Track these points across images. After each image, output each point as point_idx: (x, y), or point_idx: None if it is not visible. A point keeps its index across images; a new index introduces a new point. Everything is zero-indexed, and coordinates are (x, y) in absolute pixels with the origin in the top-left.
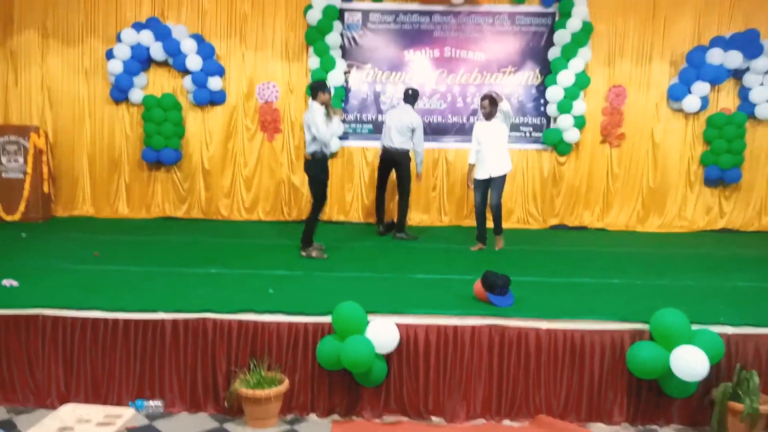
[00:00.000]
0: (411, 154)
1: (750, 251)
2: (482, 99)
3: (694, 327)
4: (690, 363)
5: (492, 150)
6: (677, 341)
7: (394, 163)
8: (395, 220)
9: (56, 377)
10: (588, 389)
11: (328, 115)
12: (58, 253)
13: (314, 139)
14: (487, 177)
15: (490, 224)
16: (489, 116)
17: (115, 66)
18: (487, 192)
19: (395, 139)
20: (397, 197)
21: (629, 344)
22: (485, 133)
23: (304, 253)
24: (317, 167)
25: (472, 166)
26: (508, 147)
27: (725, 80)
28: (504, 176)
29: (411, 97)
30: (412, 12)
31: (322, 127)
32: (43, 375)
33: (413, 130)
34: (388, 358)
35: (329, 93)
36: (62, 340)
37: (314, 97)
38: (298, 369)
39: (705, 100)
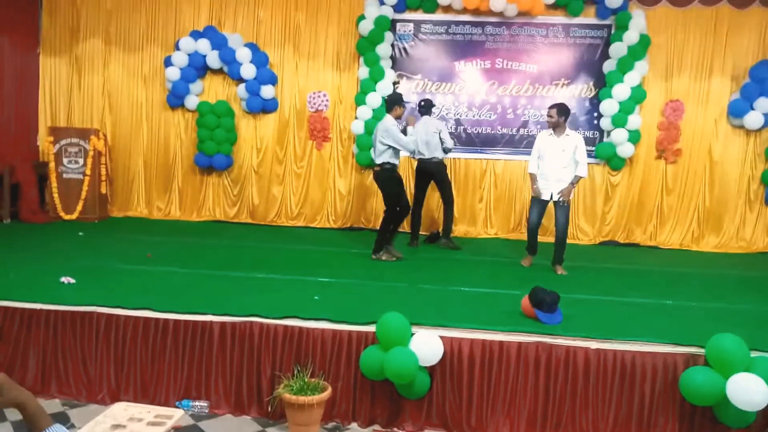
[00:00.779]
0: (445, 162)
1: None
2: (550, 107)
3: (753, 354)
4: (749, 392)
5: (555, 169)
6: (735, 368)
7: (430, 174)
8: (440, 231)
9: (107, 374)
10: (638, 413)
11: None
12: (112, 253)
13: (385, 150)
14: (548, 198)
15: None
16: (556, 127)
17: (173, 73)
18: (544, 212)
19: (426, 151)
20: (439, 208)
21: (682, 368)
22: (548, 148)
23: (374, 257)
24: (383, 177)
25: (534, 176)
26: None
27: None
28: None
29: (425, 107)
30: (465, 23)
31: (403, 138)
32: (95, 371)
33: (440, 132)
34: (431, 370)
35: (404, 107)
36: (114, 338)
37: (389, 111)
38: (341, 377)
39: None
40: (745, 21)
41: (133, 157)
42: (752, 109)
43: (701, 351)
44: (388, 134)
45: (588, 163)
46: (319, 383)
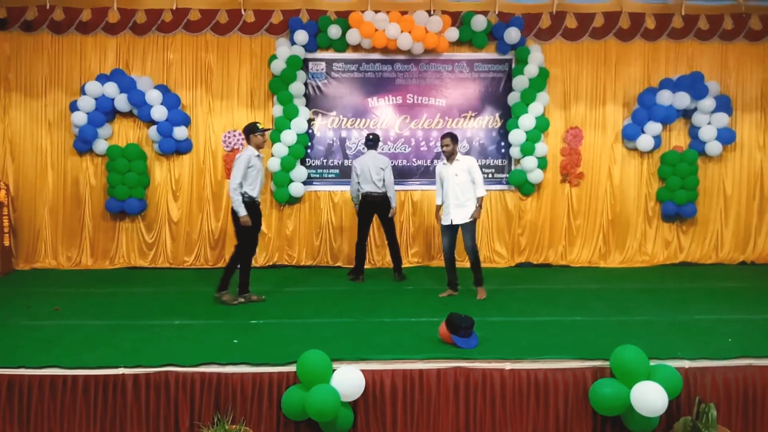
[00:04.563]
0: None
1: (708, 284)
2: (442, 137)
3: (653, 362)
4: (649, 399)
5: (452, 194)
6: (636, 377)
7: (376, 207)
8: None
9: None
10: (553, 427)
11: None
12: (17, 309)
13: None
14: (448, 223)
15: (462, 265)
16: (449, 156)
17: (79, 118)
18: (455, 237)
19: (376, 184)
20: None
21: (591, 381)
22: (444, 175)
23: (216, 295)
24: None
25: (438, 207)
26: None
27: (675, 120)
28: (471, 222)
29: (372, 141)
30: (375, 61)
31: (235, 179)
32: None
33: (383, 170)
34: (354, 405)
35: (261, 135)
36: (18, 401)
37: (248, 141)
38: (263, 421)
39: (658, 139)
40: (630, 52)
41: (38, 206)
42: (643, 132)
43: (607, 364)
44: (234, 169)
45: (502, 190)
46: (241, 429)
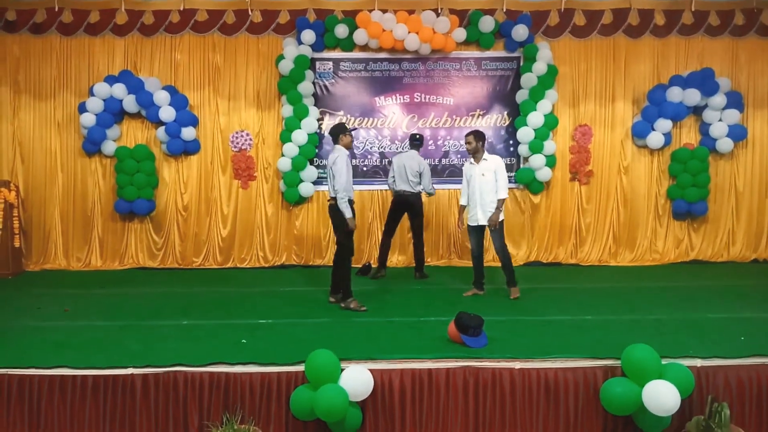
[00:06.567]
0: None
1: (719, 282)
2: (467, 135)
3: (665, 361)
4: (661, 398)
5: (478, 194)
6: (648, 376)
7: (408, 205)
8: (371, 263)
9: None
10: (564, 427)
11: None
12: (27, 310)
13: None
14: (475, 224)
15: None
16: (475, 153)
17: (88, 119)
18: (482, 237)
19: (411, 183)
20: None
21: (602, 381)
22: (470, 175)
23: (342, 305)
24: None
25: (462, 208)
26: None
27: (686, 117)
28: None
29: (418, 141)
30: (382, 60)
31: (344, 177)
32: None
33: (421, 174)
34: (362, 405)
35: (350, 135)
36: (29, 401)
37: (336, 141)
38: (272, 420)
39: (668, 137)
40: (639, 49)
41: (48, 207)
42: (653, 129)
43: (618, 363)
44: (336, 170)
45: (509, 188)
46: (250, 429)
